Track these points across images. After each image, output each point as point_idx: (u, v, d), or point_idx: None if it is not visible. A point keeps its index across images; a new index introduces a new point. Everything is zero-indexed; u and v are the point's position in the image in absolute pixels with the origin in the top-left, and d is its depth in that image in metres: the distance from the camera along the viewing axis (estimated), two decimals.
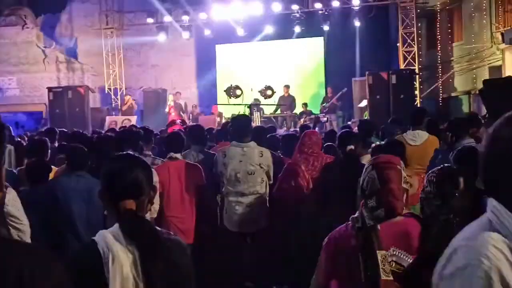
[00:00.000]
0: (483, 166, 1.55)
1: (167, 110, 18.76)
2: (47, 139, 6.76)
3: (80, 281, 2.19)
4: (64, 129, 10.75)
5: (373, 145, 6.72)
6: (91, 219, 4.85)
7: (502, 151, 1.49)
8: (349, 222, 2.92)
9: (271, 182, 6.27)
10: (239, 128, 6.26)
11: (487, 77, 16.52)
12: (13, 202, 4.21)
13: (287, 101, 18.46)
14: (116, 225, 2.36)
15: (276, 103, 18.62)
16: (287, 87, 18.85)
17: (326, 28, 20.03)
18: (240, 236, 6.17)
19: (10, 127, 9.45)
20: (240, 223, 6.05)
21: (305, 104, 18.65)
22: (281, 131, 13.63)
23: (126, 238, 2.32)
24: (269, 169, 6.17)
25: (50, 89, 18.74)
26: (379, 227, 2.77)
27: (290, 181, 6.12)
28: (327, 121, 17.38)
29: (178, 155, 6.15)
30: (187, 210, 6.02)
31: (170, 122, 14.01)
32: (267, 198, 6.20)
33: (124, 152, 2.79)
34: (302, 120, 17.19)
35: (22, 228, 4.26)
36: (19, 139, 8.79)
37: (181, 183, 5.98)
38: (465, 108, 18.40)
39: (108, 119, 18.43)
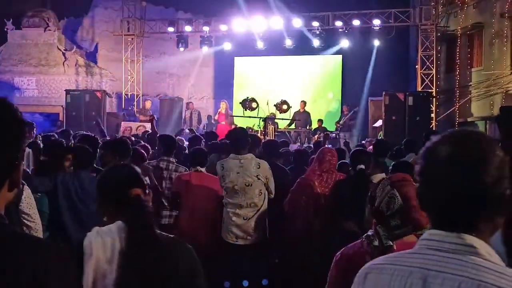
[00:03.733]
0: None
1: (216, 117, 18.88)
2: (63, 140, 6.81)
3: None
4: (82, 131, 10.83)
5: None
6: (83, 216, 4.91)
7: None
8: (364, 239, 2.89)
9: (272, 195, 6.27)
10: (236, 140, 6.29)
11: (504, 104, 16.44)
12: (28, 199, 4.27)
13: (302, 117, 18.46)
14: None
15: (291, 118, 18.64)
16: (303, 102, 18.88)
17: (345, 46, 20.09)
18: (239, 248, 6.16)
19: (34, 124, 9.54)
20: (237, 235, 6.07)
21: (320, 121, 18.66)
22: (294, 146, 13.64)
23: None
24: (268, 181, 6.16)
25: (68, 92, 18.89)
26: (395, 246, 2.75)
27: (302, 196, 6.12)
28: (336, 137, 17.38)
29: (203, 169, 6.51)
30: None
31: None
32: (266, 211, 6.20)
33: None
34: (316, 136, 17.18)
35: (34, 226, 4.31)
36: (35, 140, 8.86)
37: (202, 195, 6.30)
38: None
39: (123, 124, 18.53)
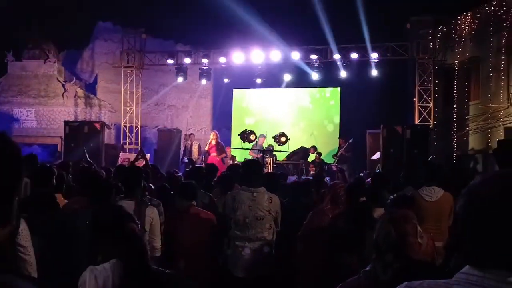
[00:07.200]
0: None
1: (207, 148, 18.47)
2: (53, 167, 6.66)
3: None
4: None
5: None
6: (68, 254, 4.78)
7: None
8: (361, 275, 2.89)
9: (278, 229, 6.23)
10: (249, 173, 6.24)
11: (502, 137, 16.49)
12: (25, 231, 4.21)
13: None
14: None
15: (290, 151, 18.64)
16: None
17: (343, 78, 20.19)
18: (244, 281, 6.07)
19: (37, 156, 9.45)
20: (245, 269, 5.98)
21: (319, 154, 18.68)
22: (292, 178, 13.64)
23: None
24: (278, 215, 6.13)
25: (66, 123, 18.90)
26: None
27: (319, 229, 6.04)
28: (333, 170, 17.36)
29: (193, 203, 6.14)
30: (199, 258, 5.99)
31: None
32: (273, 245, 6.15)
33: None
34: (314, 168, 17.18)
35: (29, 259, 4.24)
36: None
37: (194, 230, 5.94)
38: (479, 167, 18.31)
39: (121, 155, 18.53)
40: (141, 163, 14.90)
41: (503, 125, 17.35)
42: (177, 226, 6.02)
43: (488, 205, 1.50)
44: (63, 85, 22.87)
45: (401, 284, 1.67)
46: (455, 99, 19.78)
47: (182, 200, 6.11)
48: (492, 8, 17.91)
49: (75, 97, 22.92)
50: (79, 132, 18.24)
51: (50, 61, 22.82)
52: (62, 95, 22.75)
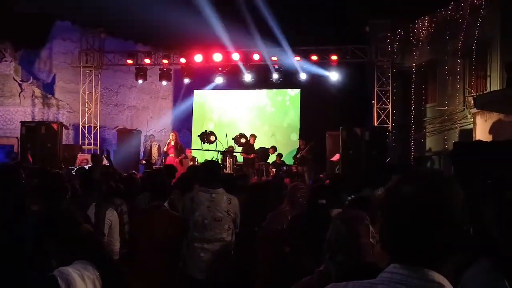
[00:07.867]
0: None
1: (165, 149, 18.34)
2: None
3: None
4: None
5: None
6: None
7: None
8: (314, 275, 2.91)
9: (237, 230, 6.21)
10: (208, 173, 6.22)
11: (458, 139, 16.82)
12: None
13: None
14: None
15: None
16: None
17: (303, 80, 20.31)
18: (203, 283, 6.02)
19: None
20: (205, 271, 5.93)
21: (279, 155, 18.74)
22: (252, 180, 13.65)
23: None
24: (236, 217, 6.11)
25: (23, 123, 18.53)
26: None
27: (276, 225, 6.04)
28: (285, 170, 17.45)
29: (165, 203, 6.03)
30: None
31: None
32: (233, 246, 6.13)
33: None
34: (274, 169, 17.24)
35: None
36: None
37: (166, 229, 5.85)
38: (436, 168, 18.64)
39: (79, 156, 18.28)
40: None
41: (459, 127, 17.68)
42: (144, 226, 5.92)
43: (405, 205, 1.56)
44: (20, 85, 22.43)
45: (327, 286, 1.70)
46: (412, 101, 20.08)
47: (155, 200, 6.03)
48: (449, 12, 18.25)
49: (32, 97, 22.49)
50: (36, 133, 17.89)
51: (6, 60, 22.35)
52: (19, 95, 22.31)
